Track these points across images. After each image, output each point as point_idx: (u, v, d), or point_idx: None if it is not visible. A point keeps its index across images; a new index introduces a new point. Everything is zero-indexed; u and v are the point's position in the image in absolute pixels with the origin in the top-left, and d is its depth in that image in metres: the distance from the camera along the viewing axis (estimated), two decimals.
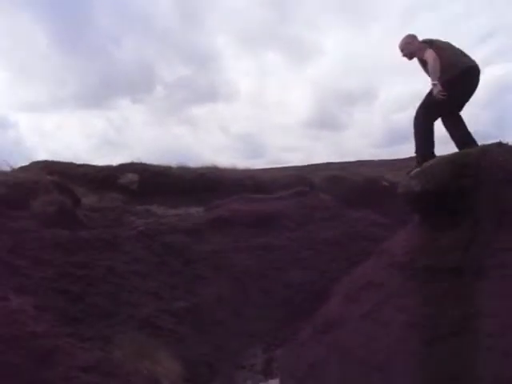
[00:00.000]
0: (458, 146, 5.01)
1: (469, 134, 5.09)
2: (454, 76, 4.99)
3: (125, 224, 7.10)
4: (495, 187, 3.98)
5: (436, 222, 4.54)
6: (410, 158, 5.41)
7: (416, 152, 5.25)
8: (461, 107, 5.27)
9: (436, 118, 5.22)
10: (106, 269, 5.69)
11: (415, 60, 5.44)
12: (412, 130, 5.34)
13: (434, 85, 4.93)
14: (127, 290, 5.61)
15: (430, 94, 5.14)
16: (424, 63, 5.24)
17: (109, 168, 10.07)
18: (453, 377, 3.54)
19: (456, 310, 3.89)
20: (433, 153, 5.12)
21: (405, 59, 5.49)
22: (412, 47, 5.36)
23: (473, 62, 5.16)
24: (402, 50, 5.47)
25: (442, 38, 5.40)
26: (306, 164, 26.23)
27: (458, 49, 5.27)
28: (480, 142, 4.59)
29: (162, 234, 7.07)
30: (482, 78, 5.18)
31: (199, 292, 6.39)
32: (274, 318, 6.65)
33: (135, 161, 10.43)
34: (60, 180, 7.35)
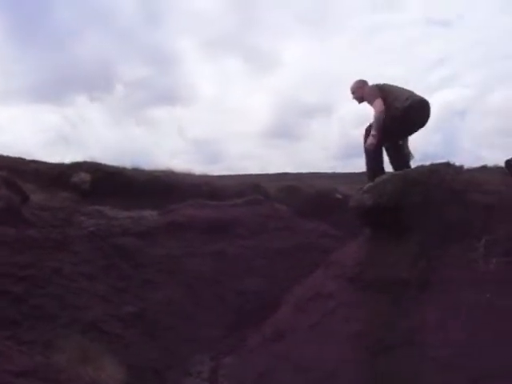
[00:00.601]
0: (395, 168, 5.27)
1: (407, 161, 5.38)
2: (402, 109, 5.23)
3: (75, 224, 6.90)
4: (442, 205, 4.15)
5: (385, 235, 4.68)
6: (364, 173, 5.57)
7: (367, 168, 5.43)
8: (407, 136, 5.53)
9: (384, 142, 5.42)
10: (52, 270, 5.52)
11: None
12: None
13: (373, 135, 5.20)
14: (74, 292, 5.46)
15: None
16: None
17: (61, 166, 9.76)
18: None
19: (402, 322, 4.01)
20: (382, 169, 5.31)
21: (355, 102, 5.69)
22: (362, 92, 5.59)
23: (419, 97, 5.42)
24: (352, 93, 5.74)
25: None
26: (262, 173, 26.36)
27: (405, 90, 5.51)
28: (429, 162, 4.77)
29: (113, 236, 6.93)
30: (435, 101, 5.44)
31: (149, 297, 6.29)
32: (224, 325, 6.62)
33: (89, 160, 10.14)
34: (8, 175, 7.08)
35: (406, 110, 5.25)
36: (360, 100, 5.66)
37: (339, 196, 12.58)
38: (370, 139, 5.25)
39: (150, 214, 8.23)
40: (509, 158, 4.72)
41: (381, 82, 5.60)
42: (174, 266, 7.12)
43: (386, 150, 5.51)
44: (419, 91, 5.41)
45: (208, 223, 8.24)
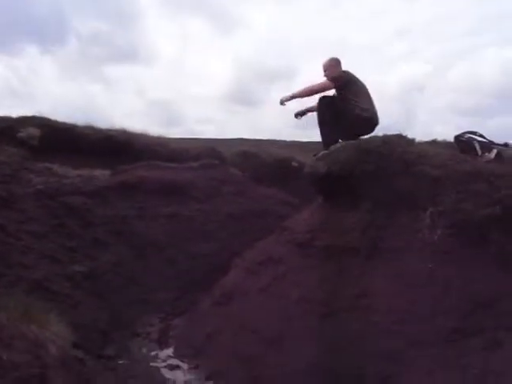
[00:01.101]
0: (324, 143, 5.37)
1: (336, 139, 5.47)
2: (362, 117, 5.28)
3: (22, 181, 6.64)
4: (393, 175, 4.23)
5: (338, 203, 4.76)
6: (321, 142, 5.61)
7: (322, 138, 5.46)
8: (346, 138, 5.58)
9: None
10: None
11: None
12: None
13: (290, 95, 5.29)
14: (19, 250, 5.30)
15: (337, 102, 5.38)
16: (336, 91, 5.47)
17: (7, 119, 9.26)
18: (342, 350, 3.77)
19: (349, 288, 4.12)
20: (337, 140, 5.35)
21: (325, 79, 5.66)
22: (334, 70, 5.55)
23: (375, 114, 5.50)
24: (324, 70, 5.67)
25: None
26: (219, 137, 26.13)
27: (369, 98, 5.55)
28: (383, 133, 4.84)
29: (62, 195, 6.72)
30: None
31: (98, 257, 6.20)
32: (174, 288, 6.63)
33: (38, 115, 9.69)
34: None
35: (360, 118, 5.29)
36: (330, 78, 5.63)
37: (295, 164, 12.67)
38: (284, 98, 5.39)
39: (101, 174, 8.04)
40: (458, 133, 4.84)
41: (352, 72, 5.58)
42: (124, 227, 7.03)
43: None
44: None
45: (161, 185, 8.13)
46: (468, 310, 3.46)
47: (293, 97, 5.38)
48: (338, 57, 5.66)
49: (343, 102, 5.31)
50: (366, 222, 4.31)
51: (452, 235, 3.83)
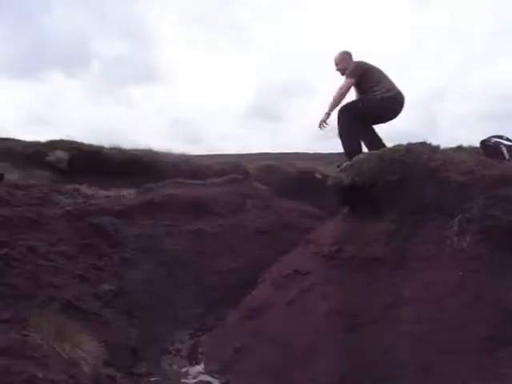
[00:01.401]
0: (369, 149, 5.35)
1: (380, 140, 5.47)
2: (386, 97, 5.31)
3: (51, 203, 6.80)
4: (418, 183, 4.20)
5: (362, 214, 4.73)
6: (343, 153, 5.61)
7: (344, 149, 5.48)
8: (375, 124, 5.61)
9: (360, 123, 5.48)
10: (27, 249, 5.43)
11: None
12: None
13: (325, 113, 5.29)
14: (50, 271, 5.39)
15: (356, 103, 5.41)
16: (355, 84, 5.51)
17: (37, 144, 9.58)
18: (372, 362, 3.72)
19: (377, 298, 4.08)
20: (360, 149, 5.37)
21: (338, 73, 5.70)
22: (346, 64, 5.60)
23: (398, 90, 5.52)
24: (336, 64, 5.72)
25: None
26: (242, 153, 26.30)
27: (388, 79, 5.58)
28: (407, 141, 4.82)
29: (90, 215, 6.84)
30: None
31: (127, 276, 6.26)
32: (201, 304, 6.64)
33: (65, 138, 9.98)
34: None
35: (385, 100, 5.31)
36: (343, 72, 5.66)
37: (319, 176, 12.67)
38: (323, 117, 5.36)
39: (127, 193, 8.17)
40: (484, 138, 4.78)
41: (369, 61, 5.61)
42: (151, 246, 7.09)
43: (361, 138, 5.56)
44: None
45: (186, 202, 8.20)
46: (501, 318, 3.38)
47: (328, 114, 5.39)
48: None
49: (365, 94, 5.36)
50: (392, 231, 4.27)
51: (481, 241, 3.77)
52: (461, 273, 3.75)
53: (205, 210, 8.36)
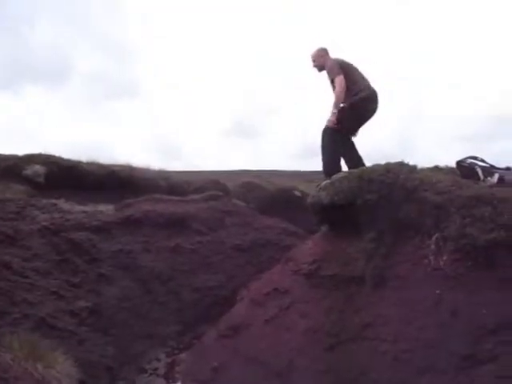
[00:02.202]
0: (349, 167, 5.41)
1: (360, 158, 5.55)
2: (359, 99, 5.38)
3: (27, 218, 6.68)
4: (396, 203, 4.25)
5: (342, 232, 4.76)
6: (322, 171, 5.67)
7: (323, 167, 5.54)
8: (357, 130, 5.69)
9: (342, 137, 5.55)
10: (1, 264, 5.32)
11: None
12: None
13: (333, 113, 5.33)
14: (24, 287, 5.28)
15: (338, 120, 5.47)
16: (332, 81, 5.56)
17: (14, 157, 9.42)
18: (350, 381, 3.72)
19: (356, 317, 4.09)
20: (340, 169, 5.43)
21: (315, 70, 5.77)
22: (323, 61, 5.67)
23: (373, 89, 5.60)
24: (313, 61, 5.78)
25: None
26: (221, 169, 26.30)
27: (362, 77, 5.67)
28: (385, 161, 4.89)
29: (67, 231, 6.74)
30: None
31: (103, 292, 6.17)
32: (179, 322, 6.59)
33: (43, 152, 9.84)
34: None
35: (362, 100, 5.39)
36: (320, 68, 5.74)
37: (298, 193, 12.74)
38: (331, 117, 5.38)
39: (105, 209, 8.08)
40: (459, 159, 4.89)
41: (341, 57, 5.68)
42: (129, 262, 7.01)
43: (343, 155, 5.62)
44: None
45: (165, 218, 8.16)
46: (478, 336, 3.42)
47: (335, 113, 5.41)
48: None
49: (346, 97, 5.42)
50: (371, 250, 4.30)
51: (458, 260, 3.82)
52: (438, 291, 3.79)
53: (183, 226, 8.32)
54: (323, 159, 5.54)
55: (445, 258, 3.87)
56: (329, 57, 5.72)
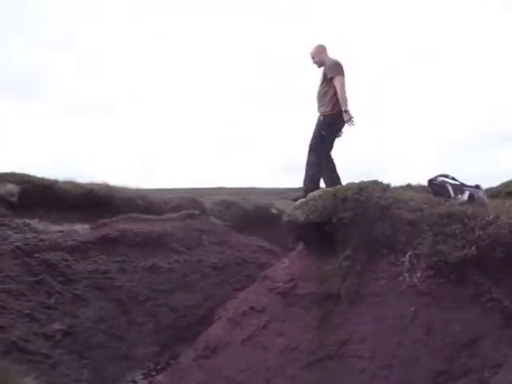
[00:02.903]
0: (327, 186, 5.51)
1: (339, 178, 5.65)
2: (340, 114, 5.50)
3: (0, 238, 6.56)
4: (370, 221, 4.32)
5: (317, 250, 4.81)
6: (300, 188, 5.74)
7: (305, 185, 5.61)
8: (333, 144, 5.80)
9: (327, 149, 5.66)
10: None
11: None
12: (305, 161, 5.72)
13: (345, 111, 5.44)
14: None
15: (318, 125, 5.58)
16: (325, 76, 5.67)
17: None
18: None
19: (333, 335, 4.12)
20: (318, 186, 5.51)
21: (315, 66, 5.89)
22: (322, 57, 5.80)
23: None
24: (312, 58, 5.89)
25: None
26: (198, 187, 26.21)
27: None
28: (360, 180, 4.98)
29: (41, 251, 6.61)
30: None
31: (78, 314, 6.06)
32: (156, 342, 6.51)
33: (17, 171, 9.66)
34: None
35: (339, 114, 5.54)
36: (320, 65, 5.85)
37: (275, 211, 12.77)
38: (346, 116, 5.48)
39: (81, 228, 7.97)
40: (431, 177, 5.00)
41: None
42: (105, 282, 6.91)
43: (323, 170, 5.72)
44: None
45: (142, 238, 8.08)
46: (452, 351, 3.49)
47: (347, 111, 5.52)
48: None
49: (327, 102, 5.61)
50: (346, 268, 4.35)
51: (431, 277, 3.90)
52: (413, 308, 3.85)
53: (160, 245, 8.26)
54: (306, 179, 5.65)
55: (418, 274, 3.95)
56: (327, 54, 5.86)
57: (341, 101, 5.52)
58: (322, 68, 5.84)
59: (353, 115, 5.53)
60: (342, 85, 5.51)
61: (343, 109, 5.52)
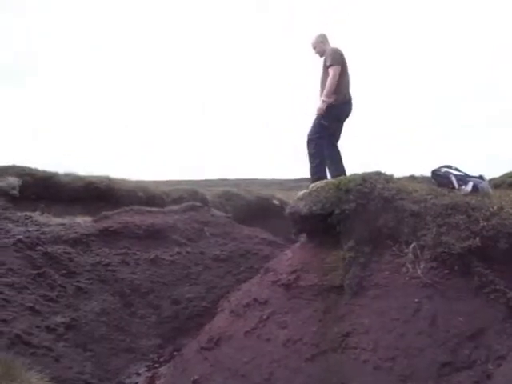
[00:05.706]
0: (332, 175, 5.48)
1: (344, 170, 5.61)
2: (340, 102, 5.46)
3: (1, 232, 6.54)
4: (374, 212, 4.30)
5: (320, 242, 4.79)
6: (301, 179, 5.73)
7: (311, 173, 5.60)
8: (338, 134, 5.75)
9: (331, 139, 5.63)
10: None
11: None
12: (306, 152, 5.69)
13: (322, 101, 5.40)
14: None
15: (317, 116, 5.55)
16: (325, 64, 5.64)
17: None
18: None
19: (336, 327, 4.11)
20: (325, 176, 5.50)
21: (317, 56, 5.86)
22: (323, 46, 5.77)
23: (350, 95, 5.72)
24: (314, 48, 5.87)
25: None
26: (200, 179, 26.23)
27: (348, 79, 5.75)
28: (363, 171, 4.95)
29: (43, 244, 6.62)
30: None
31: (81, 307, 6.07)
32: (159, 335, 6.52)
33: (18, 164, 9.65)
34: None
35: (344, 104, 5.50)
36: (321, 54, 5.83)
37: (276, 202, 12.78)
38: (320, 104, 5.45)
39: (83, 221, 7.97)
40: (434, 168, 4.97)
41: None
42: (107, 275, 6.93)
43: (326, 161, 5.69)
44: None
45: (143, 230, 8.09)
46: (456, 343, 3.47)
47: (325, 101, 5.47)
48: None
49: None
50: (350, 260, 4.33)
51: (435, 268, 3.88)
52: (416, 299, 3.83)
53: (162, 237, 8.27)
54: (312, 168, 5.65)
55: (422, 266, 3.93)
56: (328, 43, 5.82)
57: (326, 90, 5.48)
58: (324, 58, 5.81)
59: (323, 108, 5.51)
60: (335, 75, 5.47)
61: (322, 98, 5.51)
